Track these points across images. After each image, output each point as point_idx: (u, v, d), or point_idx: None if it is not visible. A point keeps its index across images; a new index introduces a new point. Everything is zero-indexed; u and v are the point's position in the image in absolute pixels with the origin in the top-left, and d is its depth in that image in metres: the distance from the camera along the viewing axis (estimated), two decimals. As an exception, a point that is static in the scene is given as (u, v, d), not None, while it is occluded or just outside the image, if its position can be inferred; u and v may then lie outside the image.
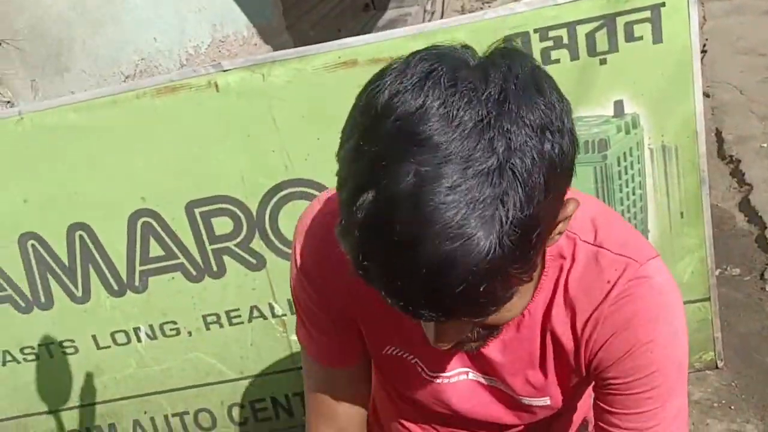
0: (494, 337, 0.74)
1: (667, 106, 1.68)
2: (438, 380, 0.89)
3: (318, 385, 0.94)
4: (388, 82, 0.56)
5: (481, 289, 0.54)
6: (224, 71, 1.74)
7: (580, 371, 0.80)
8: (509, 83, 0.55)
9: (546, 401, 0.86)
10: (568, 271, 0.76)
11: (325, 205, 0.85)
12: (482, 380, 0.88)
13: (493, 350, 0.83)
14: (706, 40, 4.45)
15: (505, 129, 0.53)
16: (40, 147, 1.81)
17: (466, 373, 0.88)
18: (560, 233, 0.66)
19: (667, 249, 1.83)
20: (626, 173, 1.75)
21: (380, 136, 0.54)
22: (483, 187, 0.52)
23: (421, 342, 0.84)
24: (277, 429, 2.14)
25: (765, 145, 3.13)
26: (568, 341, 0.79)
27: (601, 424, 0.80)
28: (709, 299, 1.90)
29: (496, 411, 0.92)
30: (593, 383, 0.82)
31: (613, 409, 0.78)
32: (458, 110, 0.53)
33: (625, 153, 1.73)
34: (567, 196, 0.63)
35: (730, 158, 3.11)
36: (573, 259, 0.76)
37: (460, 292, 0.53)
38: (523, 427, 0.98)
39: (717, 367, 1.98)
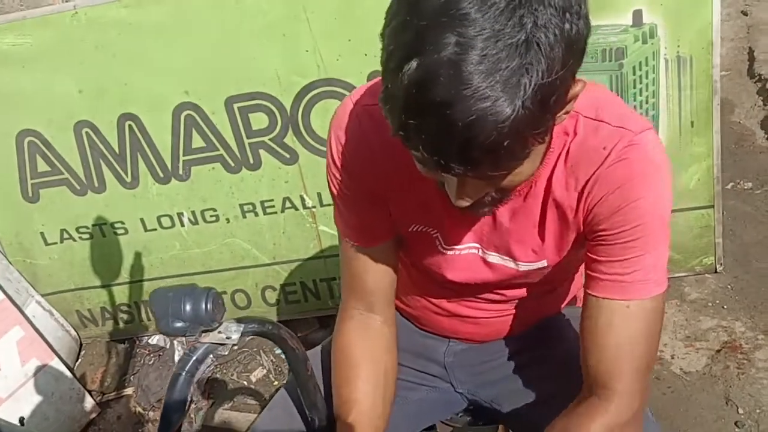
0: (504, 202, 0.86)
1: (684, 16, 1.75)
2: (450, 252, 1.03)
3: (350, 262, 1.06)
4: None
5: (505, 144, 0.64)
6: (263, -28, 1.84)
7: (578, 227, 0.93)
8: None
9: (543, 263, 0.99)
10: (570, 142, 0.88)
11: (356, 101, 0.96)
12: (487, 256, 1.02)
13: (504, 217, 0.96)
14: (752, -44, 4.34)
15: (533, 8, 0.61)
16: (94, 40, 1.96)
17: (476, 248, 1.01)
18: (567, 112, 0.76)
19: (676, 157, 1.93)
20: (641, 82, 1.84)
21: (426, 11, 0.62)
22: (512, 57, 0.60)
23: (442, 219, 0.98)
24: (305, 311, 2.35)
25: (795, 65, 3.14)
26: (569, 203, 0.91)
27: (589, 272, 0.92)
28: (713, 207, 2.01)
29: (490, 278, 1.05)
30: (586, 239, 0.93)
31: (600, 258, 0.90)
32: None
33: (641, 62, 1.81)
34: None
35: (759, 77, 3.13)
36: (575, 133, 0.87)
37: (487, 145, 0.63)
38: (521, 299, 1.13)
39: (716, 271, 2.11)
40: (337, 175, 0.99)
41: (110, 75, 2.00)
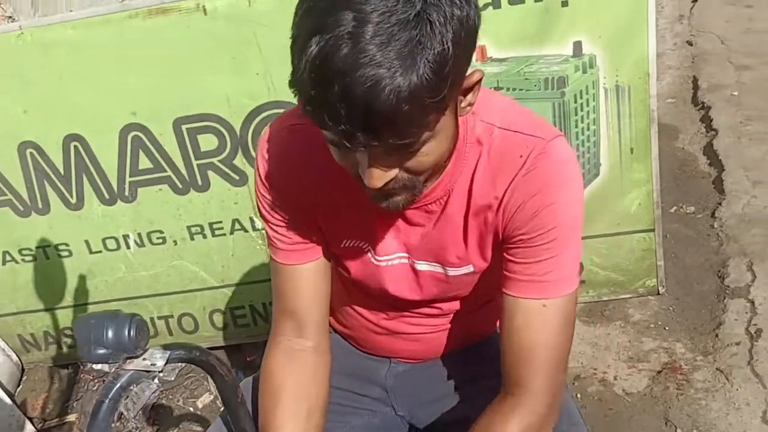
0: (417, 194, 0.87)
1: (622, 48, 1.81)
2: (382, 263, 1.05)
3: (280, 282, 1.08)
4: None
5: (404, 109, 0.68)
6: (212, -4, 1.85)
7: (497, 234, 0.97)
8: None
9: (469, 268, 1.02)
10: (488, 151, 0.93)
11: (280, 122, 1.00)
12: (416, 264, 1.04)
13: (429, 226, 0.99)
14: (698, -11, 4.51)
15: None
16: (39, 61, 1.93)
17: (405, 257, 1.04)
18: (470, 105, 0.83)
19: (617, 182, 1.98)
20: (582, 110, 1.89)
21: None
22: (404, 29, 0.67)
23: (373, 230, 1.01)
24: (254, 335, 2.33)
25: (736, 93, 3.25)
26: (489, 209, 0.95)
27: (506, 273, 0.96)
28: (654, 230, 2.06)
29: (425, 289, 1.07)
30: (504, 243, 0.97)
31: (517, 260, 0.94)
32: None
33: (581, 91, 1.86)
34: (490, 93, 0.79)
35: (702, 105, 3.24)
36: (491, 142, 0.93)
37: (386, 110, 0.68)
38: (457, 312, 1.15)
39: (658, 293, 2.16)
40: (266, 194, 1.02)
41: (56, 95, 1.97)
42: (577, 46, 1.81)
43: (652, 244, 2.09)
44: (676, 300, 2.18)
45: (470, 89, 0.81)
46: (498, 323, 1.24)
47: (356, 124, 0.70)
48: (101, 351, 0.76)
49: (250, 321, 2.30)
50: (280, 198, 1.01)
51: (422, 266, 1.04)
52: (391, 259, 1.04)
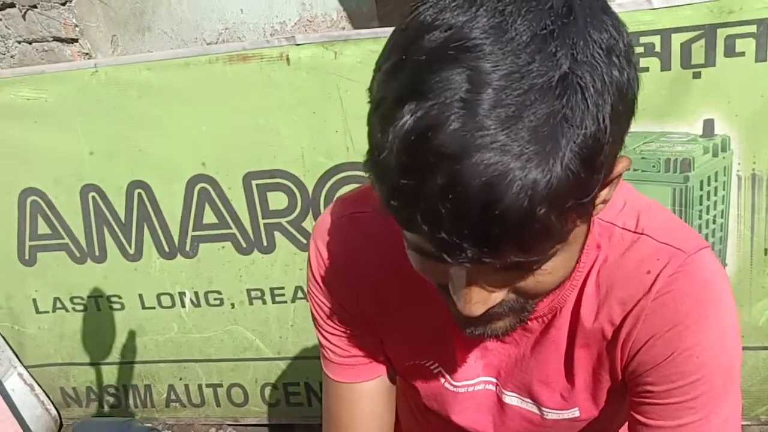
0: (524, 319, 0.64)
1: (762, 130, 1.54)
2: (461, 389, 0.82)
3: (333, 403, 0.86)
4: (434, 1, 0.49)
5: (539, 215, 0.45)
6: (297, 45, 1.71)
7: (616, 374, 0.71)
8: None
9: (575, 412, 0.77)
10: (603, 260, 0.67)
11: (341, 208, 0.79)
12: (504, 396, 0.81)
13: (525, 348, 0.75)
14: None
15: (570, 41, 0.46)
16: (112, 101, 1.83)
17: (493, 383, 0.81)
18: (605, 202, 0.57)
19: (745, 287, 1.67)
20: (708, 199, 1.61)
21: (425, 47, 0.47)
22: (543, 99, 0.45)
23: (447, 349, 0.79)
24: (308, 416, 2.10)
25: None
26: (601, 340, 0.70)
27: None
28: (784, 348, 1.74)
29: (507, 425, 0.84)
30: (629, 393, 0.72)
31: (649, 421, 0.68)
32: (514, 20, 0.46)
33: (709, 177, 1.59)
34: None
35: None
36: (609, 248, 0.67)
37: (515, 217, 0.45)
38: None
39: (785, 423, 1.81)
40: (317, 294, 0.80)
41: (124, 139, 1.86)
42: (708, 124, 1.55)
43: (782, 364, 1.76)
44: (807, 433, 1.82)
45: (610, 182, 0.56)
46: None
47: (465, 233, 0.47)
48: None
49: (304, 400, 2.08)
50: (334, 301, 0.80)
51: (511, 399, 0.79)
52: (472, 385, 0.80)
